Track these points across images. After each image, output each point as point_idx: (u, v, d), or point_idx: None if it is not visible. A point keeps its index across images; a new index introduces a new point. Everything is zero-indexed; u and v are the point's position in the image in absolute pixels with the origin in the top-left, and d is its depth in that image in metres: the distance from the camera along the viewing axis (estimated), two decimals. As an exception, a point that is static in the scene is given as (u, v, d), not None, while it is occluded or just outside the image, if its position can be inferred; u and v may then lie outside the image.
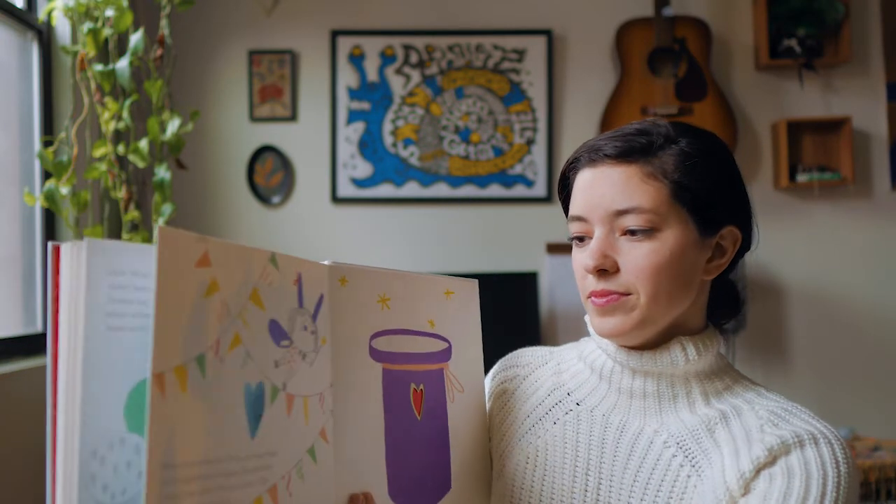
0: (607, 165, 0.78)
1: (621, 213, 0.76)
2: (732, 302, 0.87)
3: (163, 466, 0.54)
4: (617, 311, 0.78)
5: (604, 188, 0.78)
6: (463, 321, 0.88)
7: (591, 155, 0.80)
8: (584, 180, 0.80)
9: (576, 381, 0.87)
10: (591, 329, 0.84)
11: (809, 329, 2.73)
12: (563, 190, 0.86)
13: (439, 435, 0.84)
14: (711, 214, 0.78)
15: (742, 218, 0.82)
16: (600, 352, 0.84)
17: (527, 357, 0.94)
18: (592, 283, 0.79)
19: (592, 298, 0.79)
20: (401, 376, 0.82)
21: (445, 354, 0.85)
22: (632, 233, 0.76)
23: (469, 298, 0.89)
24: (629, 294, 0.77)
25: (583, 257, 0.79)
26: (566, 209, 0.86)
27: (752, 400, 0.80)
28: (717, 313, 0.85)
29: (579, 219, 0.80)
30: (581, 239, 0.81)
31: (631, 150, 0.77)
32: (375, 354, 0.80)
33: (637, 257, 0.76)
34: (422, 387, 0.83)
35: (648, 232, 0.76)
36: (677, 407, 0.80)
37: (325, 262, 0.76)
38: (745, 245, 0.83)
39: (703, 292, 0.82)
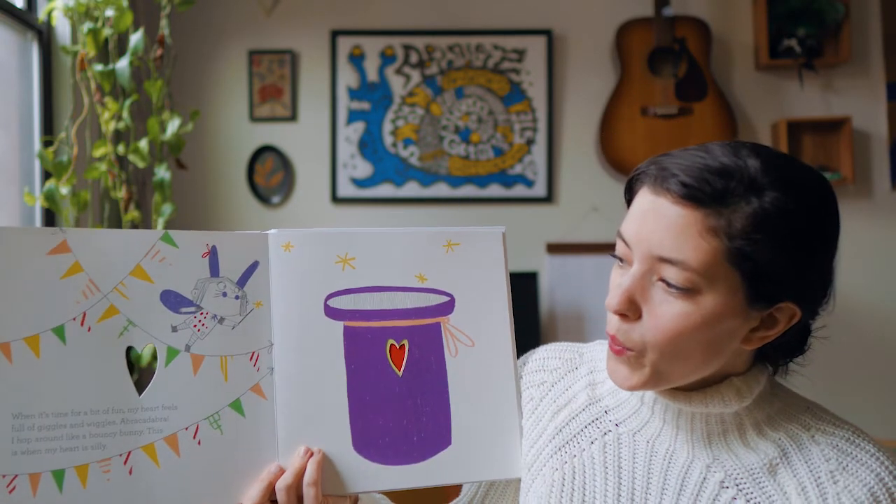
0: (668, 201, 0.67)
1: (664, 260, 0.67)
2: (793, 343, 0.76)
3: (13, 416, 0.70)
4: (627, 363, 0.72)
5: (655, 225, 0.68)
6: (473, 273, 0.86)
7: (657, 179, 0.69)
8: (642, 205, 0.70)
9: (614, 400, 0.81)
10: None
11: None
12: (626, 195, 0.77)
13: (432, 390, 0.83)
14: (769, 289, 0.67)
15: (810, 294, 0.70)
16: None
17: (553, 361, 0.87)
18: (612, 321, 0.72)
19: (609, 342, 0.74)
20: (370, 333, 0.82)
21: (444, 308, 0.85)
22: (668, 285, 0.68)
23: (483, 249, 0.87)
24: (640, 352, 0.70)
25: (610, 295, 0.72)
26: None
27: (808, 424, 0.75)
28: (774, 355, 0.76)
29: (625, 241, 0.72)
30: (622, 260, 0.73)
31: (700, 196, 0.65)
32: (332, 313, 0.82)
33: (663, 315, 0.68)
34: (404, 342, 0.83)
35: (685, 292, 0.67)
36: (728, 440, 0.74)
37: (270, 231, 0.82)
38: (808, 316, 0.72)
39: (743, 350, 0.73)
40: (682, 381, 0.73)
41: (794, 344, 0.77)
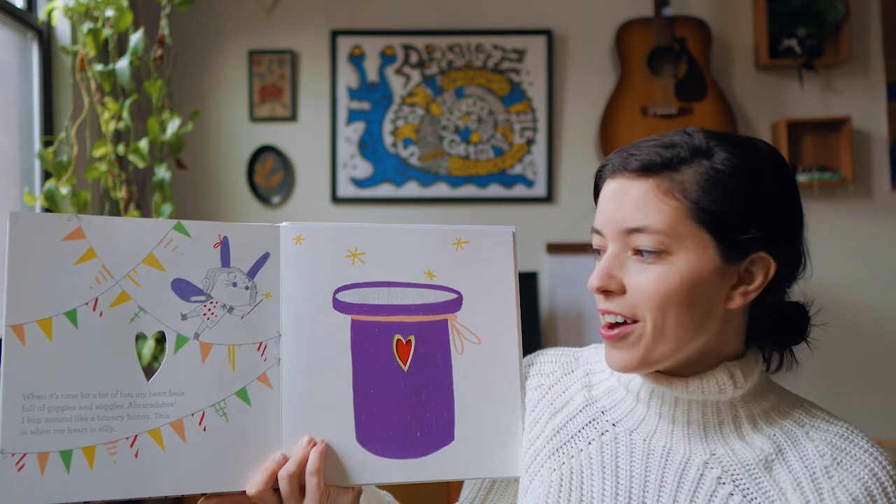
0: (627, 179, 0.74)
1: (632, 231, 0.72)
2: (787, 329, 0.79)
3: (24, 397, 0.72)
4: (623, 343, 0.74)
5: (618, 203, 0.74)
6: (482, 271, 0.86)
7: (615, 165, 0.75)
8: (606, 192, 0.76)
9: (610, 400, 0.82)
10: None
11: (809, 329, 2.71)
12: (595, 198, 0.81)
13: (437, 386, 0.83)
14: (736, 239, 0.71)
15: (780, 244, 0.73)
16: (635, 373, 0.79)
17: (549, 364, 0.88)
18: (601, 301, 0.75)
19: (602, 330, 0.76)
20: (377, 327, 0.83)
21: (452, 305, 0.85)
22: (641, 254, 0.72)
23: (493, 248, 0.87)
24: (636, 322, 0.73)
25: (591, 277, 0.75)
26: None
27: (802, 421, 0.77)
28: (767, 338, 0.79)
29: (597, 232, 0.77)
30: (598, 253, 0.77)
31: (651, 165, 0.72)
32: (341, 306, 0.83)
33: (643, 282, 0.72)
34: (410, 338, 0.83)
35: (657, 254, 0.71)
36: (724, 433, 0.76)
37: (281, 224, 0.82)
38: (786, 273, 0.75)
39: (735, 318, 0.76)
40: (676, 354, 0.74)
41: (789, 327, 0.79)
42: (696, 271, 0.71)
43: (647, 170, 0.72)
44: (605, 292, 0.74)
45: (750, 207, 0.71)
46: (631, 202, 0.72)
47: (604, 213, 0.76)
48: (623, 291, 0.73)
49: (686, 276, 0.71)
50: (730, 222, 0.70)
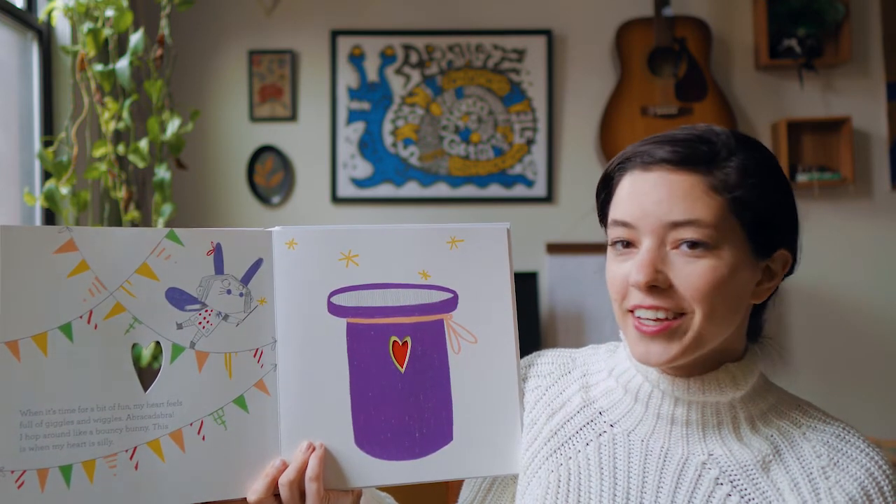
0: (666, 171, 0.71)
1: (678, 224, 0.70)
2: (757, 329, 0.81)
3: (21, 413, 0.71)
4: (662, 338, 0.72)
5: (660, 195, 0.71)
6: (477, 269, 0.86)
7: (645, 157, 0.73)
8: (635, 184, 0.73)
9: (608, 400, 0.81)
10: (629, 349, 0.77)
11: (809, 329, 2.72)
12: (603, 190, 0.79)
13: (434, 386, 0.83)
14: (767, 235, 0.72)
15: (793, 240, 0.76)
16: (635, 372, 0.79)
17: (546, 366, 0.88)
18: (638, 297, 0.72)
19: (637, 323, 0.73)
20: (373, 329, 0.82)
21: (447, 305, 0.85)
22: (689, 246, 0.70)
23: (488, 245, 0.87)
24: (683, 314, 0.71)
25: (626, 269, 0.73)
26: (602, 212, 0.80)
27: (799, 422, 0.77)
28: (753, 338, 0.81)
29: (625, 224, 0.73)
30: (625, 245, 0.74)
31: (694, 158, 0.71)
32: (336, 310, 0.82)
33: (693, 274, 0.70)
34: (406, 339, 0.83)
35: (707, 247, 0.70)
36: (722, 434, 0.76)
37: (274, 229, 0.82)
38: (793, 268, 0.78)
39: (746, 315, 0.77)
40: (713, 346, 0.74)
41: (758, 327, 0.82)
42: (737, 265, 0.71)
43: (689, 163, 0.71)
44: (650, 287, 0.71)
45: (777, 204, 0.73)
46: (675, 195, 0.71)
47: (638, 206, 0.72)
48: (668, 286, 0.71)
49: (732, 269, 0.71)
50: (763, 218, 0.72)
